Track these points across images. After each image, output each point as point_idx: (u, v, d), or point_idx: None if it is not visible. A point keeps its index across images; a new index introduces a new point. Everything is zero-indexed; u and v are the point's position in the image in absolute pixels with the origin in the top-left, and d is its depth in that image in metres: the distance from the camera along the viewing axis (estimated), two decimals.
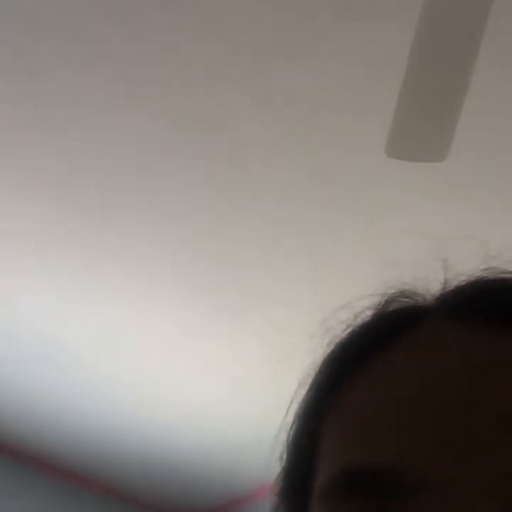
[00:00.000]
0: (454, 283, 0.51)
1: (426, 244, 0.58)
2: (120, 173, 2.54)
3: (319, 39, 2.09)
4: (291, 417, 0.55)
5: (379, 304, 0.52)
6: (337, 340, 0.53)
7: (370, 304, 0.52)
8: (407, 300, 0.52)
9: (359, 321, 0.52)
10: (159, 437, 3.83)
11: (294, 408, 0.55)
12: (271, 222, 2.62)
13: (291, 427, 0.54)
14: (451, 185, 2.34)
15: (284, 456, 0.54)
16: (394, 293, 0.52)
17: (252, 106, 2.28)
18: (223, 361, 3.24)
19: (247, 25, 2.09)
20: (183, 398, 3.52)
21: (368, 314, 0.52)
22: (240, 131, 2.36)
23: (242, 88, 2.23)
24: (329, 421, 0.49)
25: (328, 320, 0.55)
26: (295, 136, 2.33)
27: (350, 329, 0.52)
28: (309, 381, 0.54)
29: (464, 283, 0.51)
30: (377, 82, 2.15)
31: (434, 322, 0.49)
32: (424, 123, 1.70)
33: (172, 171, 2.51)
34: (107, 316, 3.16)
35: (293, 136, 2.33)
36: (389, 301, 0.52)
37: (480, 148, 2.21)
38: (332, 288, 2.70)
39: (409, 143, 1.67)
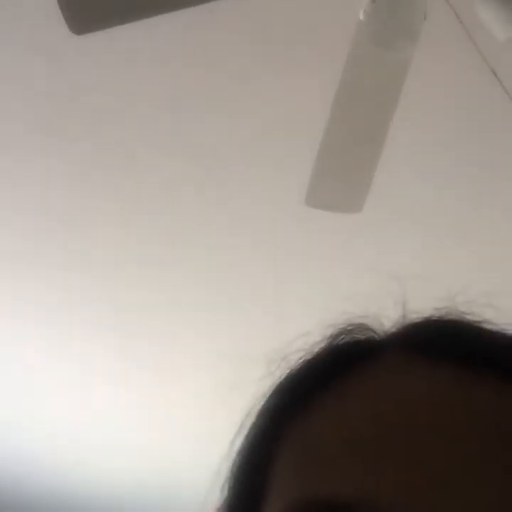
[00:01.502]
0: (406, 321, 0.52)
1: (379, 281, 0.59)
2: None
3: (239, 89, 2.12)
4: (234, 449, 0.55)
5: (331, 337, 0.52)
6: (286, 372, 0.52)
7: (322, 336, 0.52)
8: (360, 334, 0.52)
9: (311, 352, 0.52)
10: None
11: (237, 441, 0.54)
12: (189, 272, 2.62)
13: (238, 455, 0.53)
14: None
15: (228, 486, 0.53)
16: (346, 326, 0.52)
17: (171, 152, 2.28)
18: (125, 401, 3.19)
19: (168, 77, 2.10)
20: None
21: (320, 346, 0.52)
22: (159, 177, 2.36)
23: (163, 135, 2.24)
24: (282, 450, 0.48)
25: (276, 351, 0.54)
26: (213, 185, 2.35)
27: (302, 360, 0.52)
28: (253, 413, 0.54)
29: (417, 322, 0.51)
30: (295, 134, 2.19)
31: (390, 358, 0.49)
32: (342, 176, 1.73)
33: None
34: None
35: (211, 184, 2.35)
36: (341, 334, 0.52)
37: (395, 203, 2.27)
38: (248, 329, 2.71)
39: (328, 194, 1.70)
